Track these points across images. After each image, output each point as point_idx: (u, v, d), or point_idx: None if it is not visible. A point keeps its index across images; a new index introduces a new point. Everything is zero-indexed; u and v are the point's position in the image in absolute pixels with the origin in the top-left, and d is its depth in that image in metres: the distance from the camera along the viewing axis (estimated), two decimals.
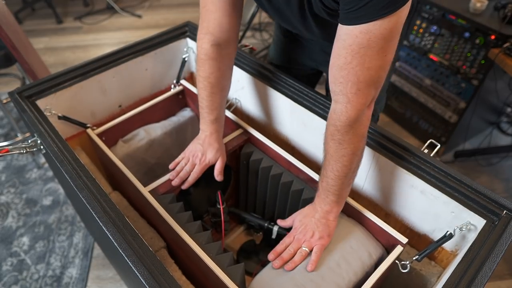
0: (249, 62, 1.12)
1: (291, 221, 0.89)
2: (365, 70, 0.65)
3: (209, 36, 0.87)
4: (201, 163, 0.95)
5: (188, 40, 1.28)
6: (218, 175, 0.98)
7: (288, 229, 1.05)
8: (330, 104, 0.96)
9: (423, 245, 0.89)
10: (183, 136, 1.28)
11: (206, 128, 0.97)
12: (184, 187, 0.95)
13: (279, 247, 0.84)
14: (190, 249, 0.80)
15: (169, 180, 0.95)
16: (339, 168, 0.76)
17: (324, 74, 1.18)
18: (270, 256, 0.83)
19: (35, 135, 0.91)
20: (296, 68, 1.16)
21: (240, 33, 2.71)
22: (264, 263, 0.86)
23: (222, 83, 0.95)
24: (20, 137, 2.10)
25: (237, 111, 1.25)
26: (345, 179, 0.78)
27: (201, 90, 0.94)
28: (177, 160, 0.99)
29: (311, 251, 0.81)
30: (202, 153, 0.96)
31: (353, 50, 0.64)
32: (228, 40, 0.89)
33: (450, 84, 1.84)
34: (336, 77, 0.69)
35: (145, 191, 0.90)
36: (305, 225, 0.83)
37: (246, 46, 1.24)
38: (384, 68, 0.67)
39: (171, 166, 0.98)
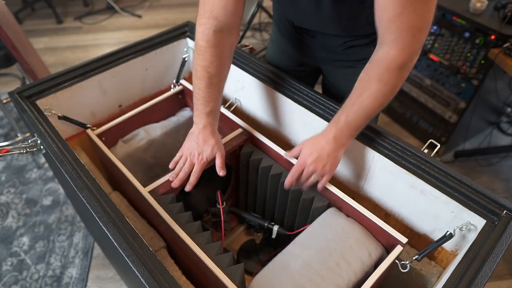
0: (249, 62, 1.12)
1: (298, 150, 0.90)
2: (416, 17, 0.68)
3: (212, 21, 0.83)
4: (199, 163, 0.91)
5: (188, 40, 1.28)
6: (220, 170, 0.93)
7: (288, 230, 1.05)
8: (329, 104, 0.97)
9: (423, 245, 0.89)
10: (183, 136, 1.28)
11: (199, 121, 0.92)
12: (187, 189, 0.92)
13: (289, 179, 0.88)
14: (190, 249, 0.80)
15: (169, 181, 0.95)
16: (376, 106, 0.79)
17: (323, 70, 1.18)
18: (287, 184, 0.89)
19: (35, 135, 0.91)
20: (295, 69, 1.16)
21: (240, 33, 2.72)
22: (264, 262, 0.86)
23: (221, 73, 0.90)
24: (20, 137, 2.10)
25: (237, 111, 1.25)
26: (372, 116, 0.81)
27: (198, 80, 0.89)
28: (175, 159, 0.95)
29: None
30: (199, 152, 0.91)
31: (401, 1, 0.66)
32: (232, 26, 0.85)
33: (450, 84, 1.84)
34: (387, 28, 0.71)
35: (145, 191, 0.90)
36: (315, 157, 0.84)
37: (246, 46, 1.24)
38: (432, 10, 0.70)
39: (171, 165, 0.96)
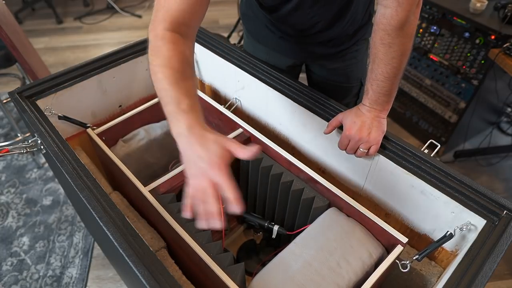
0: (249, 62, 1.12)
1: (337, 121, 0.92)
2: None
3: (165, 24, 0.70)
4: (218, 170, 0.60)
5: None
6: (244, 150, 0.63)
7: (288, 230, 1.05)
8: (329, 104, 0.98)
9: (423, 245, 0.89)
10: None
11: (180, 127, 0.64)
12: (240, 211, 0.57)
13: (341, 148, 0.90)
14: (190, 249, 0.80)
15: (169, 180, 0.95)
16: (389, 70, 0.79)
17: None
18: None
19: (35, 135, 0.91)
20: (282, 67, 1.16)
21: (240, 33, 2.71)
22: (264, 262, 0.86)
23: (188, 70, 0.71)
24: (20, 137, 2.10)
25: (237, 111, 1.25)
26: (395, 79, 0.81)
27: (160, 81, 0.67)
28: (187, 202, 0.62)
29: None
30: (205, 164, 0.61)
31: None
32: (190, 28, 0.74)
33: (450, 84, 1.84)
34: None
35: (145, 190, 0.90)
36: (360, 125, 0.86)
37: (243, 47, 1.24)
38: None
39: (188, 215, 0.62)
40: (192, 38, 0.75)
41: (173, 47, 0.69)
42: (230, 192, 0.58)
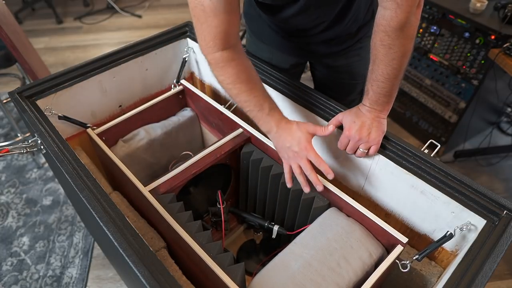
0: None
1: (337, 120, 0.91)
2: None
3: (217, 46, 0.82)
4: (310, 151, 0.83)
5: (188, 40, 1.28)
6: (324, 131, 0.84)
7: (288, 230, 1.05)
8: (329, 104, 0.98)
9: (423, 245, 0.89)
10: (183, 136, 1.29)
11: (269, 126, 0.87)
12: (320, 189, 0.86)
13: (341, 148, 0.91)
14: (191, 249, 0.80)
15: (169, 180, 0.95)
16: (389, 71, 0.79)
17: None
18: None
19: (36, 135, 0.91)
20: (284, 67, 1.16)
21: (240, 33, 2.72)
22: (264, 262, 0.86)
23: (253, 76, 0.87)
24: (20, 137, 2.10)
25: (237, 111, 1.25)
26: (395, 80, 0.81)
27: (238, 96, 0.85)
28: (287, 176, 0.90)
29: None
30: (298, 147, 0.84)
31: None
32: (236, 36, 0.84)
33: (450, 84, 1.84)
34: None
35: (145, 190, 0.90)
36: (360, 125, 0.86)
37: (245, 46, 1.24)
38: None
39: (289, 185, 0.91)
40: (240, 42, 0.86)
41: (235, 63, 0.83)
42: (321, 165, 0.82)
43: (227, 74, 0.84)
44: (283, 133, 0.85)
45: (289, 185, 0.91)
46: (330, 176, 0.83)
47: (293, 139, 0.84)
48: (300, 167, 0.86)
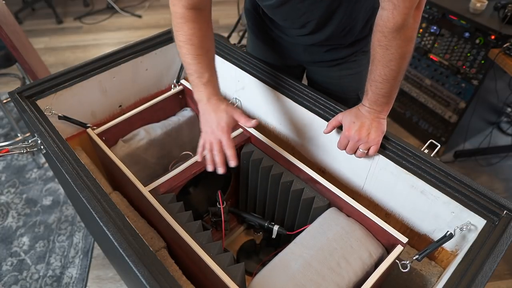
0: (249, 62, 1.12)
1: (336, 121, 0.92)
2: None
3: (183, 2, 0.83)
4: (224, 134, 0.84)
5: None
6: (248, 122, 0.86)
7: (288, 230, 1.05)
8: (329, 104, 0.98)
9: (423, 245, 0.89)
10: (183, 136, 1.28)
11: (201, 96, 0.87)
12: (233, 164, 0.84)
13: (340, 149, 0.92)
14: (190, 249, 0.80)
15: (169, 180, 0.95)
16: (387, 72, 0.79)
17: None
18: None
19: (36, 135, 0.91)
20: (280, 68, 1.16)
21: (240, 33, 2.72)
22: (264, 262, 0.86)
23: (207, 44, 0.87)
24: (20, 137, 2.10)
25: None
26: (394, 81, 0.81)
27: (185, 56, 0.86)
28: (199, 150, 0.89)
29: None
30: (216, 125, 0.85)
31: None
32: (203, 6, 0.86)
33: (450, 84, 1.84)
34: None
35: (145, 190, 0.90)
36: (359, 125, 0.86)
37: (245, 46, 1.24)
38: None
39: (199, 158, 0.90)
40: (209, 8, 0.87)
41: (193, 25, 0.84)
42: (229, 150, 0.83)
43: (182, 31, 0.85)
44: (210, 107, 0.86)
45: (199, 159, 0.89)
46: (232, 163, 0.83)
47: (216, 117, 0.85)
48: (212, 145, 0.86)
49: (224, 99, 0.89)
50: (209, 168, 0.86)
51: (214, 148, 0.84)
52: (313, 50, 1.03)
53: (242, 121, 0.86)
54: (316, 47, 1.01)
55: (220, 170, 0.84)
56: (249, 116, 1.22)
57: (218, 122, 0.85)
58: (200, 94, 0.87)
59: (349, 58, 1.04)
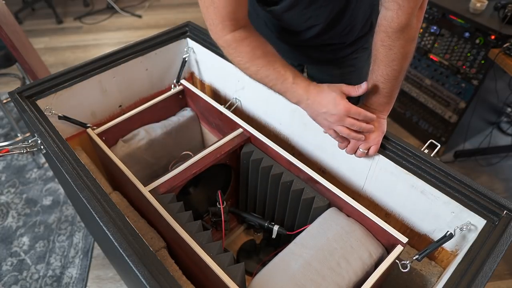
0: None
1: None
2: None
3: (228, 28, 0.79)
4: (349, 108, 0.78)
5: (188, 40, 1.28)
6: (356, 90, 0.80)
7: (288, 230, 1.05)
8: None
9: (423, 245, 0.89)
10: (183, 136, 1.28)
11: (299, 95, 0.81)
12: (374, 152, 0.83)
13: (341, 148, 0.90)
14: (191, 249, 0.80)
15: (169, 180, 0.95)
16: (389, 72, 0.79)
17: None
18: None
19: (36, 135, 0.91)
20: None
21: None
22: (264, 262, 0.86)
23: (268, 48, 0.82)
24: (20, 137, 2.10)
25: (237, 111, 1.25)
26: (395, 81, 0.81)
27: (257, 74, 0.81)
28: (338, 140, 0.86)
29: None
30: (337, 109, 0.78)
31: None
32: (246, 16, 0.81)
33: (450, 84, 1.84)
34: None
35: (145, 190, 0.90)
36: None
37: None
38: None
39: (342, 148, 0.87)
40: (247, 19, 0.82)
41: (248, 42, 0.80)
42: (367, 116, 0.79)
43: (242, 54, 0.80)
44: (315, 98, 0.79)
45: (342, 147, 0.88)
46: (362, 89, 0.79)
47: (329, 102, 0.78)
48: (347, 128, 0.80)
49: (320, 84, 0.82)
50: (364, 147, 0.83)
51: (354, 126, 0.79)
52: (315, 50, 1.03)
53: (353, 92, 0.80)
54: (318, 48, 1.01)
55: (371, 129, 0.81)
56: (249, 116, 1.23)
57: (334, 104, 0.78)
58: (296, 94, 0.81)
59: (350, 56, 1.04)
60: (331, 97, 0.78)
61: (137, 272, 0.64)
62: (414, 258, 0.79)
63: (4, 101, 1.90)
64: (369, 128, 0.81)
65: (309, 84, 0.81)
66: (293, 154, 0.99)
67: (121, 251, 0.67)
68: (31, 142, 0.91)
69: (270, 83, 0.82)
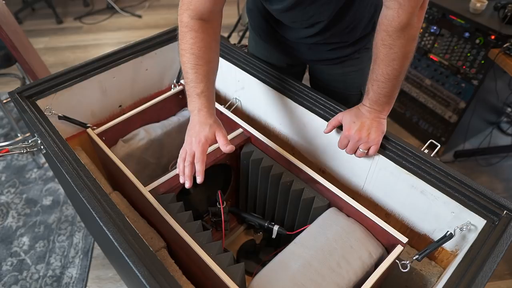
0: (249, 62, 1.12)
1: (336, 121, 0.93)
2: None
3: (190, 12, 0.84)
4: (199, 146, 0.82)
5: None
6: (224, 145, 0.83)
7: (288, 230, 1.05)
8: (329, 104, 0.98)
9: (423, 245, 0.89)
10: (183, 136, 1.28)
11: (193, 106, 0.86)
12: (198, 181, 0.83)
13: (340, 148, 0.92)
14: (190, 249, 0.80)
15: (169, 180, 0.95)
16: (390, 72, 0.79)
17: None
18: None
19: (36, 135, 0.91)
20: (282, 66, 1.16)
21: (240, 33, 2.72)
22: (264, 262, 0.86)
23: (208, 54, 0.86)
24: (20, 137, 2.10)
25: (237, 111, 1.25)
26: (395, 81, 0.81)
27: (184, 64, 0.86)
28: (178, 162, 0.88)
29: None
30: (195, 138, 0.84)
31: None
32: (212, 13, 0.85)
33: (450, 84, 1.84)
34: None
35: (145, 190, 0.90)
36: (359, 125, 0.87)
37: (246, 46, 1.24)
38: None
39: (176, 169, 0.89)
40: (216, 20, 0.88)
41: (195, 35, 0.84)
42: (198, 164, 0.82)
43: (185, 40, 0.85)
44: (197, 119, 0.85)
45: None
46: (198, 179, 0.82)
47: (200, 131, 0.84)
48: (186, 155, 0.85)
49: (214, 114, 0.87)
50: (181, 180, 0.85)
51: (186, 159, 0.83)
52: (318, 48, 1.02)
53: (221, 141, 0.84)
54: (320, 46, 1.01)
55: (187, 184, 0.83)
56: (249, 116, 1.23)
57: (198, 136, 0.84)
58: (192, 105, 0.87)
59: (352, 56, 1.04)
60: (204, 130, 0.84)
61: (137, 272, 0.64)
62: (414, 258, 0.79)
63: (4, 101, 1.90)
64: (187, 174, 0.83)
65: (207, 107, 0.86)
66: (293, 154, 0.99)
67: (121, 251, 0.67)
68: (31, 142, 0.91)
69: (186, 80, 0.87)
